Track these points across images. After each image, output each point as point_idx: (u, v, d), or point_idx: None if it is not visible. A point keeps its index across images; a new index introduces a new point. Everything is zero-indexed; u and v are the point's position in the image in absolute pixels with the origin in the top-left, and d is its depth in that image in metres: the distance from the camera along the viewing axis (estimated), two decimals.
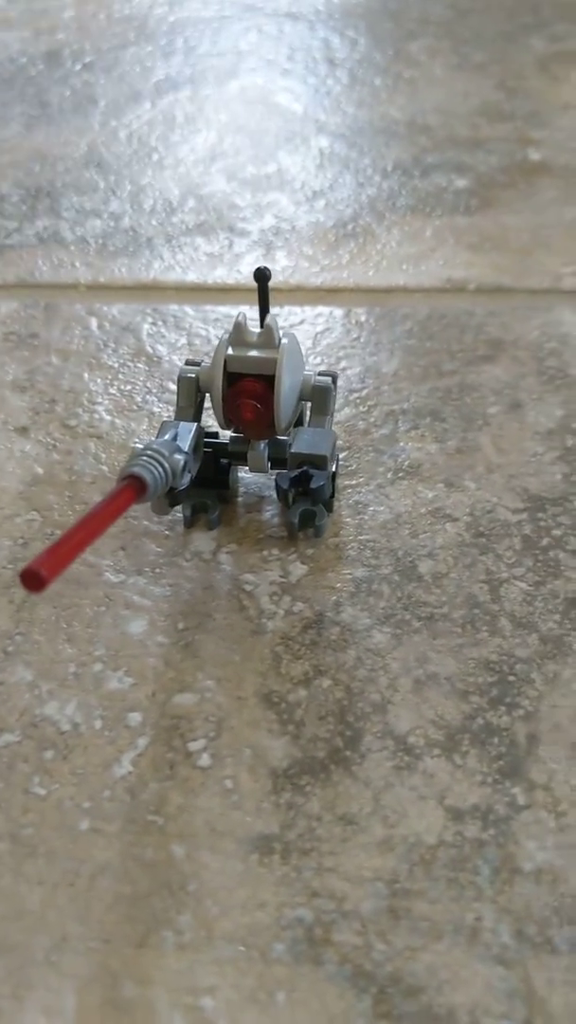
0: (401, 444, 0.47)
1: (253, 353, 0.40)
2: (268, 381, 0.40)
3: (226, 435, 0.44)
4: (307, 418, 0.44)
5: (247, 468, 0.44)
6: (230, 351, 0.40)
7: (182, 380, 0.42)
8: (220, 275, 0.57)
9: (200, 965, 0.32)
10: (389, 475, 0.46)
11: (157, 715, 0.38)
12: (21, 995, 0.31)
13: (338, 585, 0.42)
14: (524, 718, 0.37)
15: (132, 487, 0.35)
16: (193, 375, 0.42)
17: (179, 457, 0.37)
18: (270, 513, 0.44)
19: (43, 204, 0.63)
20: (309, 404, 0.43)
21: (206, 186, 0.64)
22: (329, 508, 0.43)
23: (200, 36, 0.82)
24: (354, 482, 0.45)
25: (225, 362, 0.40)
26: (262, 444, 0.42)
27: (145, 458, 0.36)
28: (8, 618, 0.41)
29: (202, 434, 0.41)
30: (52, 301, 0.56)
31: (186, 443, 0.39)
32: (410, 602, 0.41)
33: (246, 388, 0.40)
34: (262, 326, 0.40)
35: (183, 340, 0.53)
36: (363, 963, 0.32)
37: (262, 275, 0.39)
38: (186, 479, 0.38)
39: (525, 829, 0.34)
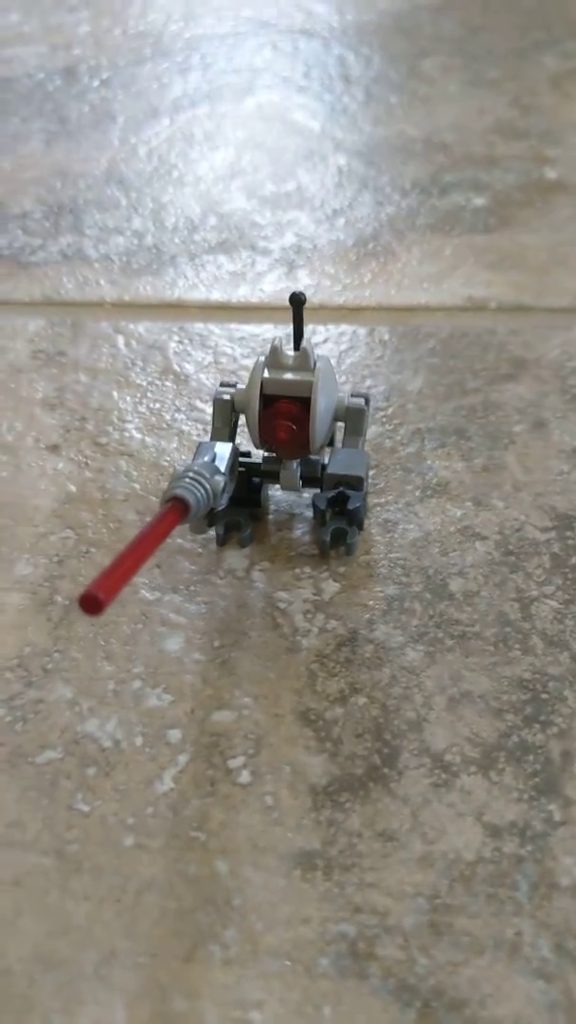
0: (428, 462, 0.48)
1: (289, 376, 0.41)
2: (303, 403, 0.41)
3: (258, 454, 0.44)
4: (337, 439, 0.44)
5: (278, 486, 0.44)
6: (266, 373, 0.41)
7: (218, 402, 0.42)
8: (244, 293, 0.58)
9: (247, 979, 0.33)
10: (417, 493, 0.46)
11: (196, 732, 0.39)
12: (72, 1009, 0.32)
13: (370, 603, 0.42)
14: (558, 735, 0.38)
15: (177, 509, 0.36)
16: (228, 397, 0.42)
17: (219, 478, 0.38)
18: (300, 531, 0.45)
19: (66, 221, 0.64)
20: (341, 425, 0.44)
21: (226, 204, 0.65)
22: (360, 526, 0.44)
23: (216, 52, 0.83)
24: (383, 500, 0.46)
25: (261, 384, 0.41)
26: (294, 463, 0.43)
27: (188, 480, 0.37)
28: (46, 635, 0.42)
29: (238, 454, 0.42)
30: (78, 319, 0.56)
31: (224, 464, 0.40)
32: (442, 620, 0.42)
33: (282, 410, 0.41)
34: (297, 349, 0.41)
35: (209, 358, 0.54)
36: (407, 977, 0.32)
37: (297, 300, 0.40)
38: (225, 499, 0.39)
39: (562, 845, 0.35)
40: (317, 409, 0.41)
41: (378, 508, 0.46)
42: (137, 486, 0.47)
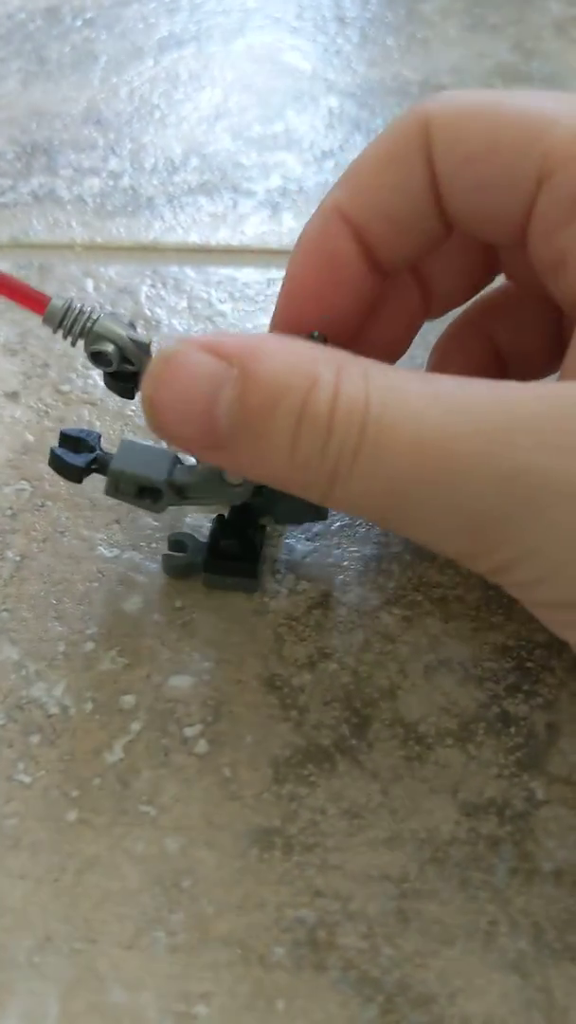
0: None
1: None
2: None
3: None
4: None
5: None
6: None
7: None
8: (223, 236, 0.54)
9: (194, 969, 0.30)
10: None
11: (152, 698, 0.36)
12: (1, 1000, 0.29)
13: (345, 563, 0.39)
14: (543, 707, 0.35)
15: (43, 304, 0.35)
16: None
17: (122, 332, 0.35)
18: None
19: (39, 162, 0.60)
20: None
21: (210, 145, 0.61)
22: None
23: None
24: None
25: None
26: None
27: (79, 308, 0.35)
28: None
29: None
30: (47, 261, 0.53)
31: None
32: (421, 583, 0.38)
33: None
34: None
35: (183, 303, 0.50)
36: (369, 969, 0.30)
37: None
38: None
39: (544, 826, 0.32)
40: None
41: None
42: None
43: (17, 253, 0.54)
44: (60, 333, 0.36)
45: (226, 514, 0.38)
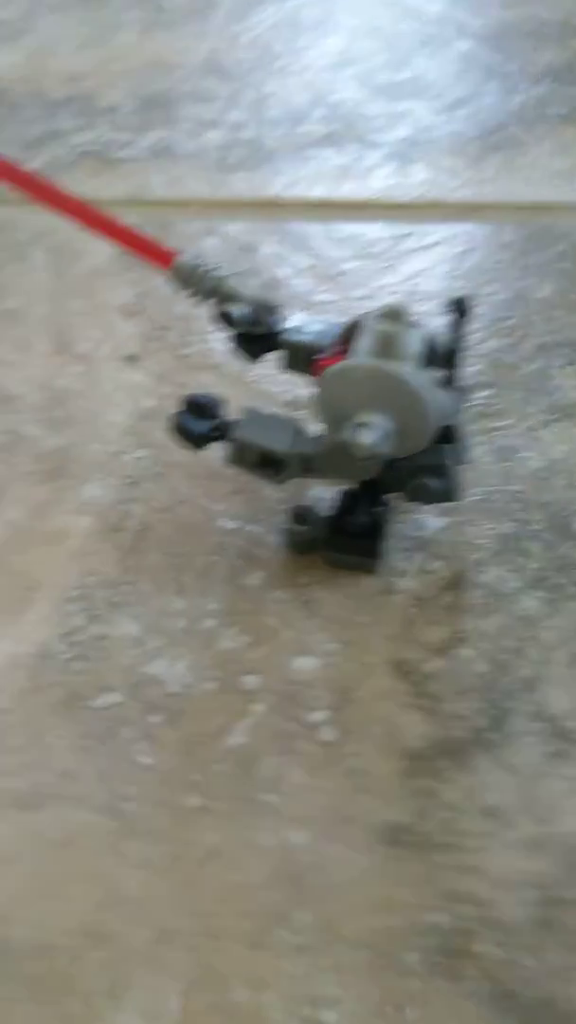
0: (556, 381, 0.41)
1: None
2: None
3: None
4: None
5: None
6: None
7: None
8: (349, 190, 0.52)
9: (320, 971, 0.28)
10: (542, 416, 0.40)
11: (275, 679, 0.34)
12: (119, 993, 0.28)
13: (481, 541, 0.37)
14: None
15: (168, 257, 0.35)
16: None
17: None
18: None
19: (158, 115, 0.58)
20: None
21: (335, 94, 0.59)
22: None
23: None
24: (501, 424, 0.40)
25: None
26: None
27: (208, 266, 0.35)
28: (114, 565, 0.37)
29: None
30: (167, 218, 0.51)
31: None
32: (565, 563, 0.36)
33: None
34: (451, 362, 0.33)
35: (307, 261, 0.48)
36: (508, 981, 0.27)
37: (463, 307, 0.32)
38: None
39: None
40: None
41: (496, 433, 0.40)
42: None
43: (136, 210, 0.52)
44: (186, 292, 0.34)
45: (352, 488, 0.36)
